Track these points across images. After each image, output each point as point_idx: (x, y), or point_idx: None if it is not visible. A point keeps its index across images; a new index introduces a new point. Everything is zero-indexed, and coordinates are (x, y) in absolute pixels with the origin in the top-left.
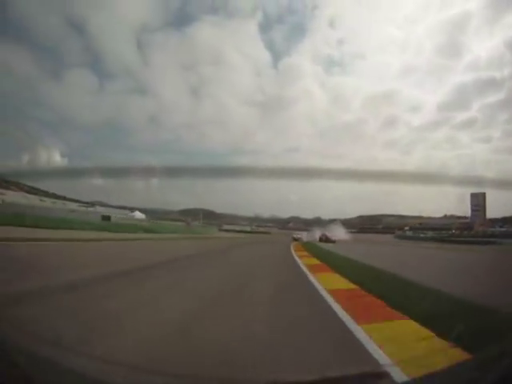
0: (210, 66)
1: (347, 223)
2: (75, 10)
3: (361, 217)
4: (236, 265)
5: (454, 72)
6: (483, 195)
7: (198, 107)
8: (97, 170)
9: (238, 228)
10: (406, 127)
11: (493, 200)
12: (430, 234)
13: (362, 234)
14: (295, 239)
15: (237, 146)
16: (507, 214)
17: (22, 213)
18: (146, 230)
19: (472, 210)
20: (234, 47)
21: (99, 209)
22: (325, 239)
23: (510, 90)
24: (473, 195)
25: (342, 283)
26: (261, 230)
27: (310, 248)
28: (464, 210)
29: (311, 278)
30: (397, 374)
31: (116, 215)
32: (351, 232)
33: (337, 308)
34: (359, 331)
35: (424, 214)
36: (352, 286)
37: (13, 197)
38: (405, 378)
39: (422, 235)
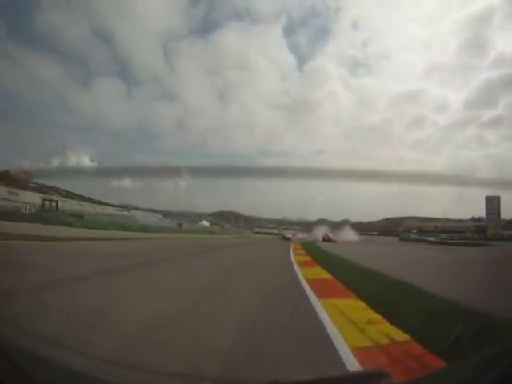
0: (235, 71)
1: (372, 226)
2: (103, 21)
3: (387, 219)
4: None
5: (479, 69)
6: (498, 199)
7: (225, 111)
8: (125, 172)
9: (266, 231)
10: (433, 127)
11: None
12: (441, 236)
13: (384, 236)
14: (286, 239)
15: (263, 148)
16: None
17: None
18: (209, 232)
19: (486, 214)
20: (259, 52)
21: (134, 212)
22: (327, 239)
23: None
24: (487, 198)
25: (321, 274)
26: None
27: (308, 247)
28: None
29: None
30: (397, 373)
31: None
32: (371, 234)
33: (307, 289)
34: (316, 301)
35: (451, 216)
36: (328, 276)
37: (72, 205)
38: (405, 378)
39: (427, 238)
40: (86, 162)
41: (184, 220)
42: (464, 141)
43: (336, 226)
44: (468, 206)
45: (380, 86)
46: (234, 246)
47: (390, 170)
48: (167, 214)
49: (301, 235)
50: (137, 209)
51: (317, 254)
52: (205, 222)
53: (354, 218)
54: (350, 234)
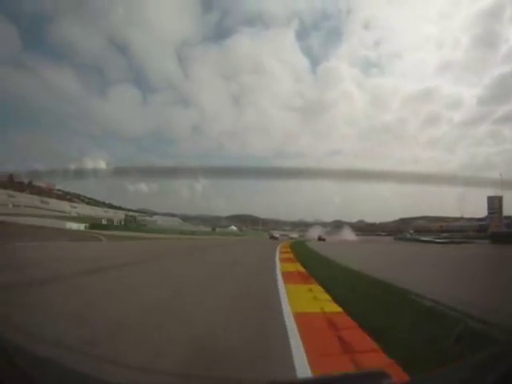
0: (249, 75)
1: (384, 226)
2: (118, 30)
3: (401, 219)
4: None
5: (492, 64)
6: (499, 199)
7: (240, 115)
8: (141, 174)
9: (282, 233)
10: (447, 125)
11: None
12: (443, 235)
13: (388, 236)
14: (274, 238)
15: (279, 150)
16: None
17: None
18: (235, 234)
19: (489, 213)
20: (273, 55)
21: (154, 217)
22: (318, 238)
23: None
24: (489, 198)
25: (296, 268)
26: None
27: (296, 246)
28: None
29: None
30: (397, 373)
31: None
32: (378, 235)
33: (279, 277)
34: (283, 286)
35: (467, 216)
36: (301, 269)
37: (96, 211)
38: (405, 378)
39: (420, 237)
40: (103, 167)
41: (203, 223)
42: (479, 137)
43: (351, 226)
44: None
45: (393, 85)
46: (252, 242)
47: (405, 169)
48: (185, 218)
49: (295, 235)
50: (156, 213)
51: (296, 247)
52: (233, 227)
53: (370, 219)
54: (349, 235)
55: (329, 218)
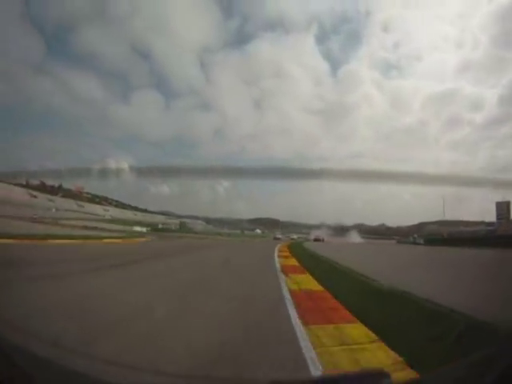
0: (270, 80)
1: (400, 231)
2: (140, 37)
3: (421, 223)
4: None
5: None
6: (507, 204)
7: (262, 119)
8: (163, 176)
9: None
10: (469, 126)
11: None
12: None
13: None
14: (277, 238)
15: (301, 153)
16: None
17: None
18: (261, 236)
19: (497, 219)
20: (293, 59)
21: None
22: (314, 239)
23: None
24: (498, 204)
25: (292, 262)
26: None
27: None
28: None
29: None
30: (397, 374)
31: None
32: (391, 238)
33: (278, 270)
34: (282, 277)
35: (488, 219)
36: (296, 263)
37: (126, 214)
38: (405, 378)
39: (419, 241)
40: (126, 170)
41: (226, 226)
42: (501, 139)
43: (371, 230)
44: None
45: (413, 87)
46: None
47: (427, 171)
48: (207, 221)
49: (294, 236)
50: (180, 216)
51: (293, 246)
52: (258, 230)
53: (391, 223)
54: (355, 238)
55: (350, 222)
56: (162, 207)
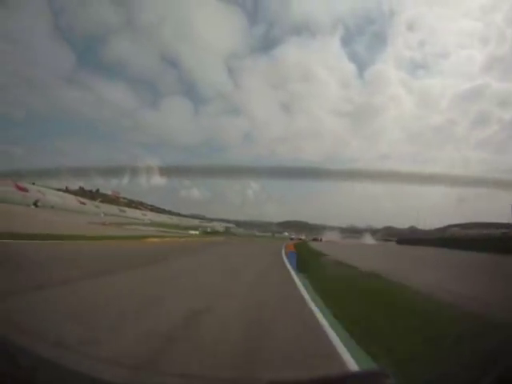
0: (298, 83)
1: (429, 233)
2: (169, 46)
3: (450, 226)
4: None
5: None
6: None
7: (291, 122)
8: (193, 175)
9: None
10: (498, 124)
11: None
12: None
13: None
14: (290, 238)
15: (330, 155)
16: None
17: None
18: (290, 239)
19: None
20: (320, 62)
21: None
22: (313, 239)
23: None
24: None
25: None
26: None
27: (301, 243)
28: None
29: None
30: (397, 374)
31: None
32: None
33: (283, 250)
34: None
35: None
36: (293, 249)
37: (162, 218)
38: (405, 378)
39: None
40: (156, 176)
41: (256, 229)
42: None
43: (402, 233)
44: None
45: (440, 86)
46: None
47: (456, 172)
48: (237, 224)
49: (303, 236)
50: (211, 219)
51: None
52: (286, 233)
53: (420, 225)
54: (368, 240)
55: (379, 224)
56: (191, 210)
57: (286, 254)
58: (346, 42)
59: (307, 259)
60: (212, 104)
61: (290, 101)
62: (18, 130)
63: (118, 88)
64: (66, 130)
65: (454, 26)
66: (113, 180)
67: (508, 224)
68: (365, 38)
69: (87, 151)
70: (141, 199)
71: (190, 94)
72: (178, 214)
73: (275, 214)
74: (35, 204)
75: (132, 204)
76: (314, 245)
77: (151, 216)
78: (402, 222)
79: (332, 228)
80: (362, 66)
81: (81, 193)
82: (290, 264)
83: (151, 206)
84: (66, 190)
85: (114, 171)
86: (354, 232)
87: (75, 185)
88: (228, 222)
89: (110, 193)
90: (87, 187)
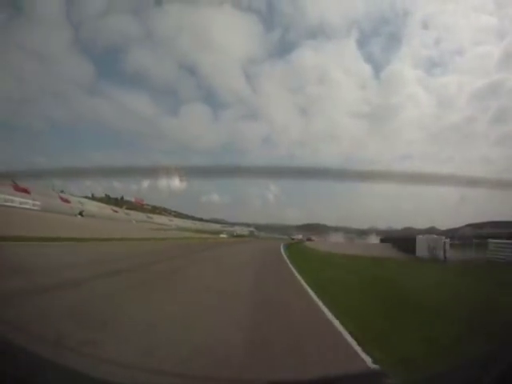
0: (315, 86)
1: (445, 234)
2: (187, 54)
3: (469, 225)
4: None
5: None
6: None
7: (309, 125)
8: (213, 177)
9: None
10: None
11: None
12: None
13: None
14: (292, 239)
15: (349, 157)
16: None
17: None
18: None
19: None
20: (336, 65)
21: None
22: (307, 239)
23: None
24: None
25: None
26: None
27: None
28: None
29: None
30: (396, 374)
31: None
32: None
33: (281, 246)
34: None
35: None
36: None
37: (186, 223)
38: (404, 378)
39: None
40: (176, 181)
41: (276, 232)
42: None
43: (420, 233)
44: None
45: (458, 83)
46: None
47: (476, 171)
48: (258, 227)
49: (300, 236)
50: (232, 224)
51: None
52: (299, 235)
53: (442, 226)
54: (373, 240)
55: (399, 225)
56: (212, 215)
57: (284, 245)
58: (362, 43)
59: (293, 245)
60: (231, 109)
61: (307, 104)
62: (42, 140)
63: (139, 97)
64: (88, 140)
65: (469, 21)
66: (133, 186)
67: None
68: (380, 38)
69: (110, 159)
70: (162, 205)
71: (208, 100)
72: (201, 219)
73: (295, 217)
74: (81, 214)
75: (156, 210)
76: (308, 243)
77: (177, 221)
78: (422, 223)
79: (350, 230)
80: (378, 66)
81: (106, 200)
82: (283, 246)
83: (175, 211)
84: (92, 198)
85: (136, 175)
86: (373, 233)
87: (99, 192)
88: (248, 225)
89: (133, 200)
90: (111, 194)
